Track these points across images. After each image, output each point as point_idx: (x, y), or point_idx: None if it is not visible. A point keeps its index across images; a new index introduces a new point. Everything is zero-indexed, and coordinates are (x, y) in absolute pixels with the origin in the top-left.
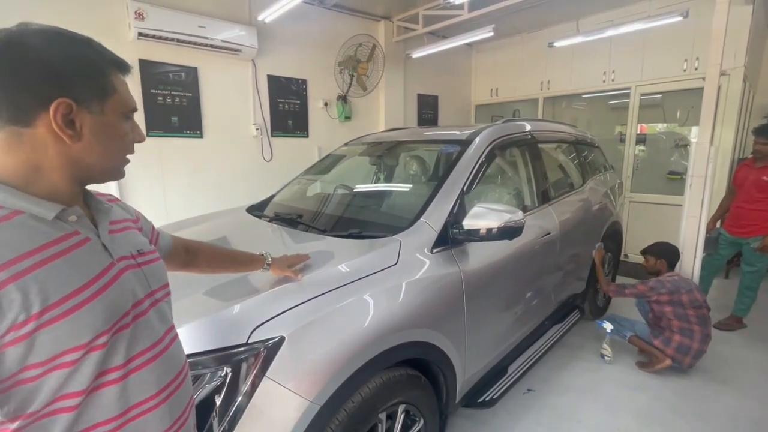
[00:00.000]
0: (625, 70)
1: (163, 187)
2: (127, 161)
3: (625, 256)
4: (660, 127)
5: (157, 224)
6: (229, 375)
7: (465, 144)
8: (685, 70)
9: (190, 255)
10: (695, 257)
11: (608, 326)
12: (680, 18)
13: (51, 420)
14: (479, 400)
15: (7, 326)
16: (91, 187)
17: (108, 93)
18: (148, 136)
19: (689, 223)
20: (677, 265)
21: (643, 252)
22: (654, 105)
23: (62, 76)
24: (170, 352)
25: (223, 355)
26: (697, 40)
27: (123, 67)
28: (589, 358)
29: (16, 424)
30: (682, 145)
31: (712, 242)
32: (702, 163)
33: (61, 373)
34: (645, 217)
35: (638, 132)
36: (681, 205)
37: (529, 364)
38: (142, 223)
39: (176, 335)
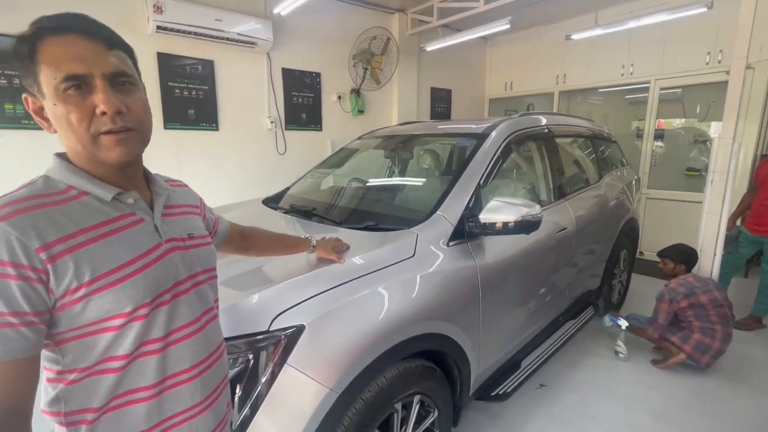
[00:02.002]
0: (645, 63)
1: (179, 178)
2: (104, 137)
3: (641, 253)
4: (679, 122)
5: None
6: (252, 361)
7: (481, 138)
8: (707, 63)
9: (245, 240)
10: (715, 255)
11: (623, 323)
12: (704, 9)
13: (99, 378)
14: (492, 394)
15: (63, 290)
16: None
17: (38, 72)
18: (165, 128)
19: (709, 220)
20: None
21: (661, 254)
22: (674, 99)
23: (20, 72)
24: (206, 331)
25: (245, 342)
26: (722, 32)
27: (52, 29)
28: (603, 355)
29: (72, 376)
30: (702, 141)
31: (732, 240)
32: (724, 159)
33: (108, 336)
34: (662, 214)
35: (656, 127)
36: (699, 202)
37: (543, 359)
38: (204, 210)
39: (215, 316)
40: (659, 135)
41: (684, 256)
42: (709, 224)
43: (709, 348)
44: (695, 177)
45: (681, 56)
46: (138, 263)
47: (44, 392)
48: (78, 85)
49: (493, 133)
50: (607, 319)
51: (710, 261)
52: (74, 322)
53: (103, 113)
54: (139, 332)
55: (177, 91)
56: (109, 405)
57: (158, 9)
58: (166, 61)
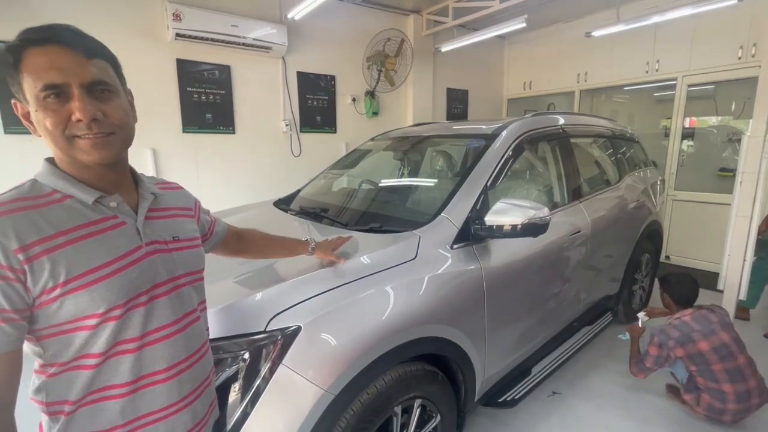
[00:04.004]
0: (671, 59)
1: (197, 180)
2: (79, 140)
3: (667, 257)
4: (713, 120)
5: None
6: (247, 361)
7: (491, 138)
8: (740, 58)
9: (241, 242)
10: (744, 261)
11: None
12: (735, 1)
13: (75, 374)
14: (500, 400)
15: (40, 289)
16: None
17: (22, 80)
18: (183, 132)
19: (738, 223)
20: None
21: (660, 280)
22: (705, 96)
23: (8, 80)
24: (187, 333)
25: (242, 341)
26: (755, 25)
27: (34, 41)
28: (621, 363)
29: (52, 370)
30: (736, 139)
31: (763, 245)
32: (755, 159)
33: (83, 334)
34: (690, 216)
35: (687, 126)
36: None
37: (555, 366)
38: (199, 212)
39: (198, 318)
40: (689, 134)
41: (671, 285)
42: (738, 228)
43: (723, 412)
44: (729, 178)
45: (711, 51)
46: (113, 266)
47: (32, 382)
48: (57, 93)
49: (503, 134)
50: (621, 336)
51: (739, 267)
52: (51, 320)
53: (79, 120)
54: (113, 332)
55: (195, 96)
56: (86, 399)
57: (177, 17)
58: (184, 67)
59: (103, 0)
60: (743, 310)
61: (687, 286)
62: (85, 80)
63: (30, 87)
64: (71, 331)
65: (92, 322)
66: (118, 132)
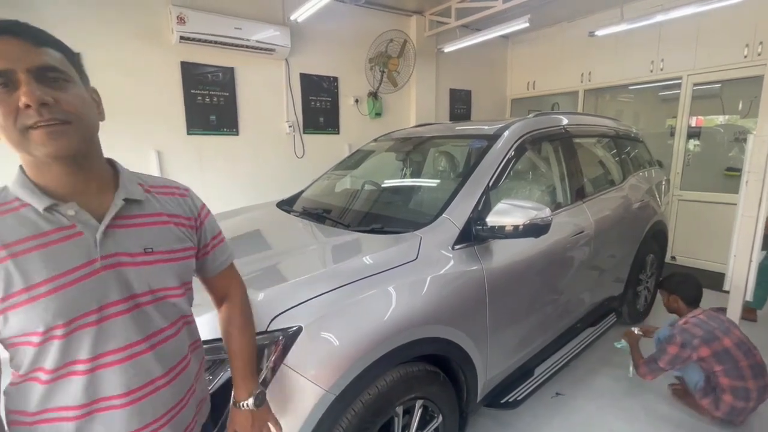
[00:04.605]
0: (676, 58)
1: (202, 182)
2: (33, 132)
3: (673, 258)
4: (720, 119)
5: None
6: None
7: (492, 139)
8: (746, 57)
9: (222, 303)
10: (751, 261)
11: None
12: None
13: (31, 385)
14: (502, 401)
15: None
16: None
17: None
18: (188, 134)
19: (744, 223)
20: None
21: (659, 285)
22: (711, 95)
23: None
24: (156, 354)
25: None
26: (761, 23)
27: None
28: (625, 365)
29: (14, 378)
30: (743, 138)
31: None
32: (760, 158)
33: (30, 349)
34: (696, 216)
35: (692, 125)
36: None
37: (558, 367)
38: (201, 221)
39: (173, 336)
40: (695, 133)
41: (679, 286)
42: (744, 228)
43: (744, 410)
44: (736, 177)
45: (716, 50)
46: (52, 283)
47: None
48: (4, 83)
49: (505, 134)
50: (617, 344)
51: (746, 268)
52: (2, 332)
53: (27, 106)
54: (60, 351)
55: (199, 98)
56: (42, 416)
57: (181, 20)
58: (189, 70)
59: (108, 4)
60: (750, 311)
61: (696, 286)
62: (32, 65)
63: None
64: (22, 344)
65: (35, 339)
66: (74, 121)
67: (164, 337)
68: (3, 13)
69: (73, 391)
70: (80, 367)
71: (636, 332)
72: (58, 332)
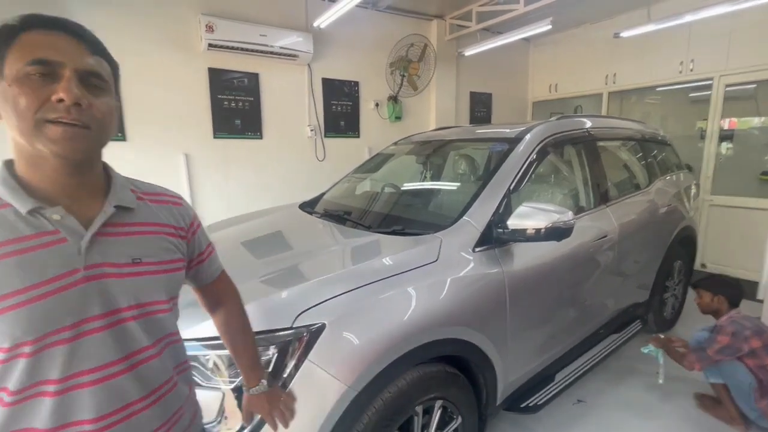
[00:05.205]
0: (707, 58)
1: (227, 184)
2: (50, 126)
3: (702, 265)
4: (755, 121)
5: (220, 218)
6: (275, 356)
7: (514, 142)
8: None
9: (218, 308)
10: None
11: (660, 356)
12: None
13: None
14: (522, 405)
15: None
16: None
17: (7, 54)
18: (214, 138)
19: None
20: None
21: (695, 286)
22: (745, 97)
23: None
24: (136, 374)
25: (269, 337)
26: None
27: (39, 24)
28: (650, 373)
29: None
30: None
31: None
32: None
33: None
34: (728, 222)
35: (725, 127)
36: None
37: (580, 373)
38: (193, 231)
39: (156, 355)
40: (727, 135)
41: (725, 287)
42: None
43: None
44: None
45: (750, 50)
46: (25, 294)
47: None
48: (45, 73)
49: (527, 137)
50: (644, 350)
51: None
52: None
53: (60, 100)
54: (26, 370)
55: (225, 102)
56: None
57: (210, 28)
58: (216, 76)
59: (139, 14)
60: None
61: (739, 287)
62: (81, 67)
63: (15, 60)
64: None
65: (1, 356)
66: (94, 128)
67: (146, 356)
68: None
69: (42, 414)
70: (50, 387)
71: (662, 337)
72: (26, 349)
